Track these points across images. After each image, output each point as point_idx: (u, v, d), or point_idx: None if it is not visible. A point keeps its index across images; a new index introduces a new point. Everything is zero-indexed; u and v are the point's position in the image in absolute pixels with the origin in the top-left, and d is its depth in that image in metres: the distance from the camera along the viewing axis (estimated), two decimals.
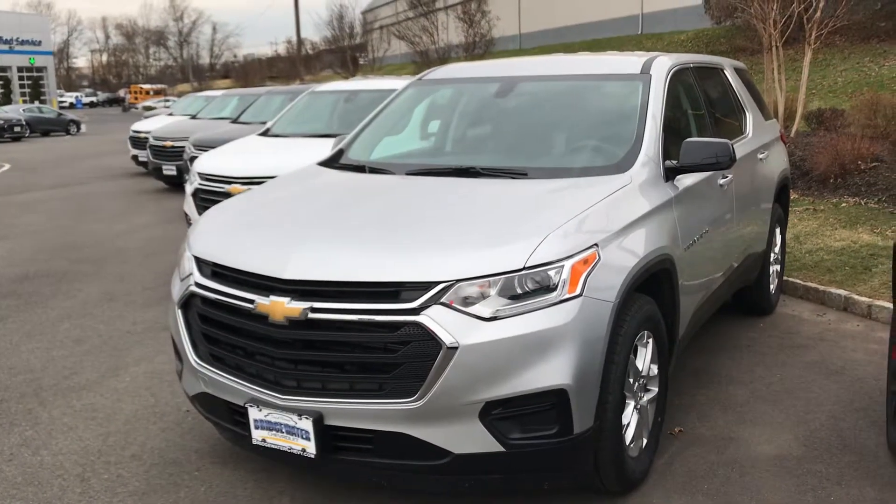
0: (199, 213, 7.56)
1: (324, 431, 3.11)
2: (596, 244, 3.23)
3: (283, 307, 3.09)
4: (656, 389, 3.73)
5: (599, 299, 3.14)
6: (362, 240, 3.26)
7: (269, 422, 3.20)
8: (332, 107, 9.06)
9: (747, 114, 5.78)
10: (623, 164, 3.86)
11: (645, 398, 3.63)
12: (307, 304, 3.07)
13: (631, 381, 3.45)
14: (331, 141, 7.98)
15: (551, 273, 3.06)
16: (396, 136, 4.80)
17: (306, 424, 3.10)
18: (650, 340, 3.62)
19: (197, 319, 3.46)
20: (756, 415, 4.35)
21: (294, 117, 9.08)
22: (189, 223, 7.80)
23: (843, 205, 8.89)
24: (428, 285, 2.99)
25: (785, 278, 6.73)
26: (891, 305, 5.95)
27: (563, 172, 3.88)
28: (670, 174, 4.01)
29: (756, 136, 5.73)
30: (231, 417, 3.43)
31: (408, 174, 4.14)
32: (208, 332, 3.42)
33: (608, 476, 3.35)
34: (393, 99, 5.01)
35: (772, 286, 6.20)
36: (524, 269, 3.03)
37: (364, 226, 3.40)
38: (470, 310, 2.97)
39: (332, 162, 4.62)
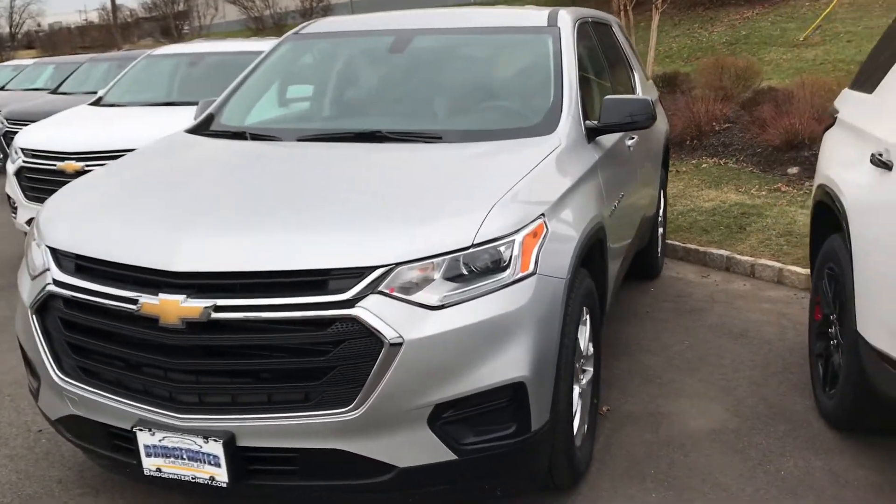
0: (26, 195, 6.59)
1: (236, 454, 2.56)
2: (543, 214, 2.83)
3: (177, 307, 2.49)
4: (591, 370, 3.41)
5: (553, 276, 2.76)
6: (270, 220, 2.70)
7: (166, 447, 2.60)
8: (175, 72, 8.17)
9: (635, 72, 5.57)
10: (547, 125, 3.47)
11: (584, 380, 3.30)
12: (209, 302, 2.49)
13: (576, 364, 3.10)
14: (177, 109, 7.24)
15: (502, 249, 2.64)
16: (274, 97, 4.19)
17: (215, 448, 2.53)
18: (588, 317, 3.28)
19: (59, 326, 2.78)
20: (678, 386, 4.15)
21: (130, 85, 8.12)
22: (13, 207, 6.78)
23: (704, 165, 9.01)
24: (362, 271, 2.49)
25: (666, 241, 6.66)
26: (775, 264, 5.98)
27: (483, 135, 3.45)
28: (591, 135, 3.68)
29: (643, 95, 5.53)
30: (110, 443, 2.80)
31: (300, 140, 3.58)
32: (75, 341, 2.76)
33: (560, 472, 3.00)
34: (267, 56, 4.38)
35: (658, 249, 6.09)
36: (472, 246, 2.59)
37: (267, 203, 2.83)
38: (414, 298, 2.50)
39: (202, 129, 3.97)
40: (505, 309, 2.59)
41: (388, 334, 2.44)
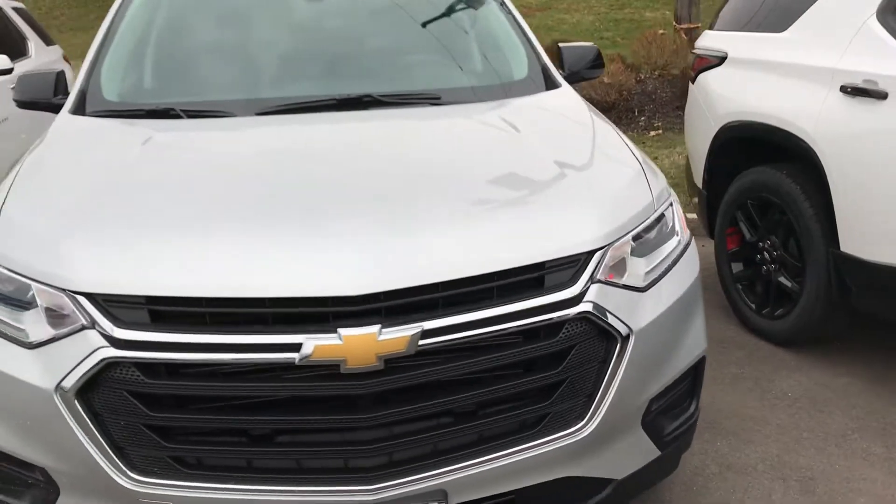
0: None
1: None
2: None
3: (373, 342, 1.82)
4: None
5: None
6: (427, 215, 2.07)
7: None
8: None
9: None
10: (541, 78, 3.17)
11: None
12: (414, 328, 1.85)
13: None
14: None
15: (667, 214, 2.36)
16: (163, 62, 3.22)
17: None
18: None
19: (133, 406, 1.86)
20: None
21: None
22: None
23: None
24: (578, 259, 2.04)
25: None
26: None
27: (483, 93, 3.01)
28: None
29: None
30: None
31: (260, 114, 2.81)
32: (163, 422, 1.88)
33: None
34: (122, 11, 3.34)
35: None
36: (654, 213, 2.28)
37: (401, 192, 2.19)
38: (625, 281, 2.13)
39: (92, 110, 2.91)
40: (692, 278, 2.34)
41: (621, 329, 2.05)
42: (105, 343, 1.86)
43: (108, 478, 1.90)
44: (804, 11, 3.74)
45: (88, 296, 1.89)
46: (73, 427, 1.89)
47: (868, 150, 3.26)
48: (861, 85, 3.28)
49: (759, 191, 3.91)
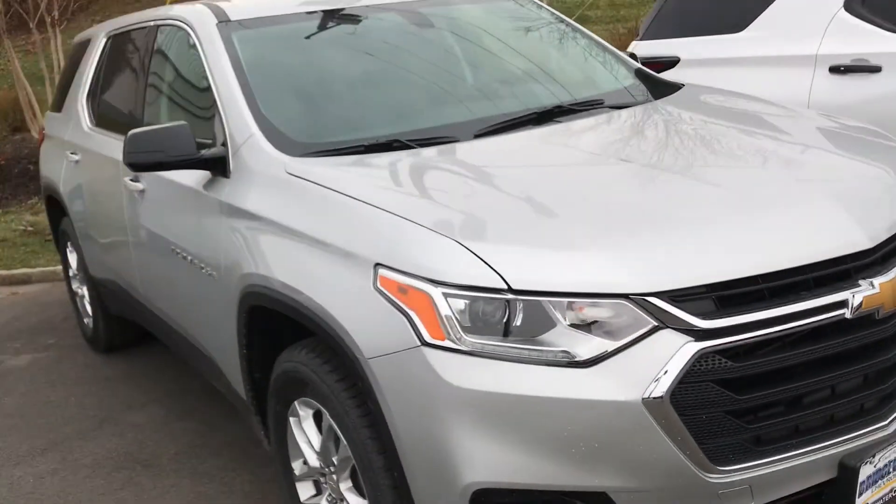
0: None
1: None
2: None
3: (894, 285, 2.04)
4: None
5: None
6: (844, 169, 2.45)
7: (879, 470, 2.09)
8: None
9: None
10: (649, 80, 3.47)
11: None
12: None
13: None
14: None
15: None
16: (345, 96, 3.05)
17: None
18: None
19: (717, 392, 1.88)
20: None
21: None
22: None
23: None
24: None
25: None
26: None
27: (632, 95, 3.22)
28: None
29: None
30: None
31: (477, 137, 2.78)
32: (746, 405, 1.92)
33: None
34: (233, 54, 2.97)
35: None
36: None
37: (790, 161, 2.54)
38: None
39: (304, 152, 2.66)
40: None
41: None
42: (689, 338, 1.85)
43: (692, 478, 1.87)
44: (761, 13, 4.47)
45: (658, 295, 1.86)
46: (661, 433, 1.84)
47: (864, 115, 4.03)
48: (851, 64, 4.05)
49: None
